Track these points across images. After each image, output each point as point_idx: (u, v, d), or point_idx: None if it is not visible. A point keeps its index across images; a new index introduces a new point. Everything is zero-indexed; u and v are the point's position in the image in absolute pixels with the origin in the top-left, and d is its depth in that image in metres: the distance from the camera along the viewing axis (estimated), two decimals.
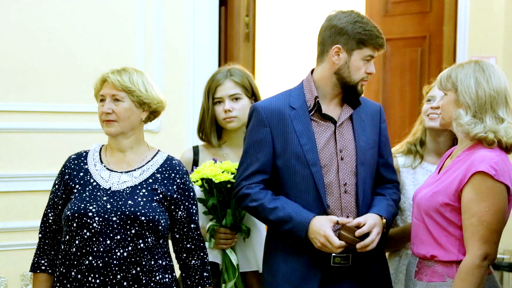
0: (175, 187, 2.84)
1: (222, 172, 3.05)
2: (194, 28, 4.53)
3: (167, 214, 2.81)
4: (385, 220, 2.86)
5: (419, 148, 3.23)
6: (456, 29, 4.62)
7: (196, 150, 3.31)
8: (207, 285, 2.88)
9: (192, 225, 2.86)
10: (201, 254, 2.88)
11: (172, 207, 2.83)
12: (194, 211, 2.88)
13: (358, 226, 2.80)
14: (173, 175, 2.85)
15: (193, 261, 2.87)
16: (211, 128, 3.27)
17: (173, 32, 4.52)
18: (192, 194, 2.89)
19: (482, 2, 4.66)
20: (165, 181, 2.83)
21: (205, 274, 2.88)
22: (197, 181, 3.06)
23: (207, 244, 3.08)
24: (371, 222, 2.80)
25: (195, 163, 3.26)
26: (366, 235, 2.79)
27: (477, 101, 2.66)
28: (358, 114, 2.96)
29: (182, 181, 2.86)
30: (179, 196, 2.84)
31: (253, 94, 3.27)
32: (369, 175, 2.93)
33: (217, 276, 3.14)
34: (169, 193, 2.81)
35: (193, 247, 2.87)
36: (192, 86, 4.52)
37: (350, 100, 2.95)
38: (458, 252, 2.66)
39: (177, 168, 2.88)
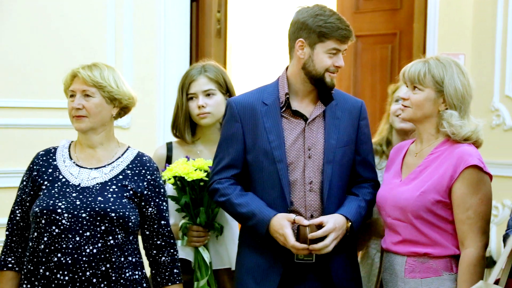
0: (145, 183, 2.82)
1: (195, 170, 3.04)
2: (165, 24, 4.51)
3: (137, 210, 2.80)
4: (350, 224, 2.86)
5: (385, 149, 3.23)
6: (426, 26, 4.65)
7: (170, 146, 3.30)
8: (177, 282, 2.87)
9: (163, 222, 2.86)
10: (171, 250, 2.87)
11: (143, 203, 2.82)
12: (165, 207, 2.87)
13: (321, 225, 2.81)
14: (143, 171, 2.84)
15: (163, 258, 2.86)
16: (185, 124, 3.26)
17: (144, 27, 4.50)
18: (162, 190, 2.88)
19: (451, 0, 4.70)
20: (136, 178, 2.82)
21: (175, 270, 2.87)
22: (169, 179, 3.05)
23: (179, 242, 3.08)
24: (330, 226, 2.80)
25: (169, 159, 3.26)
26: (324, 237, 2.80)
27: (462, 103, 2.74)
28: (332, 111, 2.95)
29: (153, 177, 2.85)
30: (149, 193, 2.83)
31: (227, 90, 3.26)
32: (338, 174, 2.91)
33: (189, 273, 3.13)
34: (139, 190, 2.80)
35: (163, 243, 2.86)
36: (163, 82, 4.50)
37: (324, 96, 2.96)
38: (453, 246, 2.70)
39: (148, 164, 2.87)
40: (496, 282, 2.51)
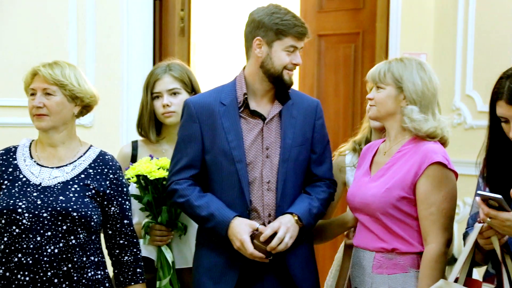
0: (108, 182, 2.80)
1: (158, 169, 3.03)
2: (128, 22, 4.48)
3: (99, 210, 2.77)
4: (297, 217, 2.87)
5: (363, 147, 3.24)
6: (389, 26, 4.69)
7: (135, 145, 3.29)
8: (140, 281, 2.86)
9: (125, 221, 2.84)
10: (134, 250, 2.86)
11: (105, 203, 2.80)
12: (128, 206, 2.86)
13: (276, 233, 2.83)
14: (106, 170, 2.82)
15: (126, 257, 2.84)
16: (150, 124, 3.24)
17: (106, 25, 4.46)
18: (125, 189, 2.86)
19: (413, 0, 4.75)
20: (98, 177, 2.79)
21: (138, 270, 2.86)
22: (132, 177, 3.04)
23: (142, 240, 3.07)
24: (280, 234, 2.82)
25: (134, 158, 3.24)
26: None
27: (423, 99, 2.76)
28: (288, 111, 2.96)
29: (115, 176, 2.83)
30: (112, 192, 2.81)
31: (193, 89, 3.25)
32: (292, 172, 2.93)
33: (152, 272, 3.12)
34: (101, 189, 2.78)
35: (126, 243, 2.84)
36: (126, 81, 4.47)
37: (281, 96, 2.97)
38: (418, 243, 2.72)
39: (110, 163, 2.85)
40: (456, 280, 2.54)
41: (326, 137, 3.06)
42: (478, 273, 2.91)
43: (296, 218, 2.88)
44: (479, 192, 2.43)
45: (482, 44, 4.41)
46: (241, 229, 2.82)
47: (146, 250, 3.11)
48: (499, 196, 2.33)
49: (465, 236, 2.65)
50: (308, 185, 3.02)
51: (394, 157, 2.79)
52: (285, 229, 2.84)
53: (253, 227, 2.84)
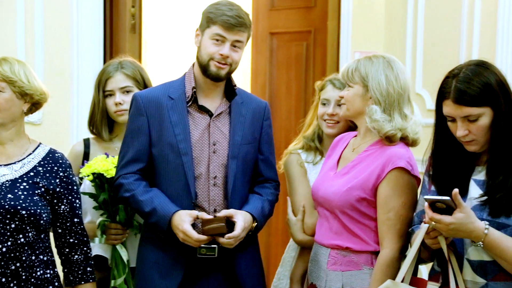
0: (58, 180, 2.77)
1: (115, 167, 3.01)
2: (78, 18, 4.42)
3: (49, 208, 2.74)
4: (255, 224, 2.90)
5: (318, 145, 3.25)
6: (340, 25, 4.72)
7: (87, 143, 3.27)
8: (91, 280, 2.84)
9: (75, 220, 2.81)
10: (85, 249, 2.83)
11: (55, 201, 2.77)
12: (78, 205, 2.83)
13: (230, 217, 2.84)
14: (55, 168, 2.78)
15: (76, 256, 2.82)
16: (102, 122, 3.23)
17: (55, 21, 4.40)
18: (75, 188, 2.83)
19: None
20: (47, 175, 2.76)
21: (88, 269, 2.83)
22: (88, 175, 3.01)
23: (97, 239, 3.05)
24: (240, 224, 2.82)
25: (86, 156, 3.22)
26: (232, 228, 2.82)
27: (387, 98, 2.74)
28: (238, 109, 2.97)
29: (65, 174, 2.80)
30: (62, 190, 2.78)
31: (145, 87, 3.24)
32: (241, 170, 2.94)
33: (106, 271, 3.10)
34: (51, 187, 2.75)
35: (76, 241, 2.81)
36: (76, 78, 4.41)
37: (228, 93, 2.98)
38: (374, 243, 2.74)
39: (60, 161, 2.81)
40: (403, 279, 2.56)
41: (272, 139, 3.09)
42: (426, 270, 2.96)
43: (254, 222, 2.90)
44: (425, 197, 2.44)
45: (431, 43, 4.47)
46: (181, 220, 2.81)
47: (100, 249, 3.09)
48: (447, 198, 2.35)
49: (411, 234, 2.67)
50: (256, 185, 3.03)
51: (360, 156, 2.80)
52: (243, 226, 2.83)
53: (192, 215, 2.83)
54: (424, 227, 2.47)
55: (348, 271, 2.76)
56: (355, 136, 2.92)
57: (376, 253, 2.75)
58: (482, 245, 2.39)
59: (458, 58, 4.13)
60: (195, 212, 2.84)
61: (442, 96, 2.49)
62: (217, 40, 2.87)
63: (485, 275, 2.45)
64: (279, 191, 3.10)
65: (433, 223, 2.40)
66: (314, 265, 2.88)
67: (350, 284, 2.75)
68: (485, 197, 2.44)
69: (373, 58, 2.79)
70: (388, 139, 2.75)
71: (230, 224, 2.84)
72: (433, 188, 2.59)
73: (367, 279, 2.73)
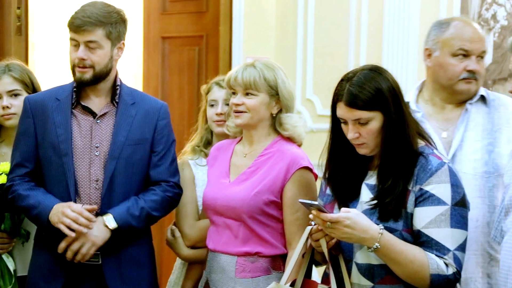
0: None
1: (0, 174, 2.94)
2: None
3: None
4: (115, 226, 2.85)
5: (204, 149, 3.24)
6: (232, 30, 4.75)
7: None
8: None
9: None
10: None
11: None
12: None
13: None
14: None
15: None
16: None
17: None
18: None
19: (256, 4, 4.83)
20: None
21: None
22: None
23: None
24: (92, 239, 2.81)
25: None
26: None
27: (290, 103, 2.83)
28: (125, 109, 2.94)
29: None
30: None
31: (34, 90, 3.17)
32: (123, 170, 2.90)
33: None
34: None
35: None
36: None
37: (113, 94, 2.97)
38: (282, 246, 2.76)
39: None
40: (294, 282, 2.58)
41: (169, 138, 3.04)
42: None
43: (109, 223, 2.85)
44: (300, 200, 2.49)
45: (322, 50, 4.57)
46: (59, 206, 2.79)
47: None
48: (315, 202, 2.42)
49: None
50: (147, 186, 2.98)
51: (257, 161, 2.81)
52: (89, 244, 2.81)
53: (70, 206, 2.79)
54: (307, 229, 2.51)
55: (257, 277, 2.76)
56: (238, 142, 2.93)
57: (284, 256, 2.76)
58: (378, 246, 2.38)
59: (347, 64, 4.24)
60: (73, 204, 2.80)
61: (336, 98, 2.54)
62: (74, 44, 2.88)
63: (372, 278, 2.48)
64: (171, 192, 3.00)
65: (312, 223, 2.44)
66: (218, 275, 2.82)
67: None
68: (375, 201, 2.50)
69: (270, 66, 2.82)
70: (290, 139, 2.82)
71: None
72: (328, 191, 2.63)
73: None
